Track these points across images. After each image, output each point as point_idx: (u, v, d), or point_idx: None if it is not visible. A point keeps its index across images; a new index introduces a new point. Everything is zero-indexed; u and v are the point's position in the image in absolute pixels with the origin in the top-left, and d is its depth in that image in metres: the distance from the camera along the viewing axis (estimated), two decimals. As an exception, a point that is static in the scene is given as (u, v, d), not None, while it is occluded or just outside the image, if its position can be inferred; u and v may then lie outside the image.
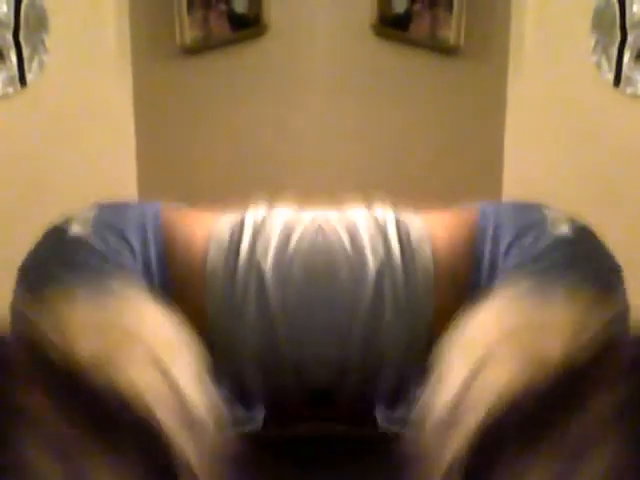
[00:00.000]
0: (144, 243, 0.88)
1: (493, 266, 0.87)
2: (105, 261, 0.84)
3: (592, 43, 1.98)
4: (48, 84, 1.96)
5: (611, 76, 1.98)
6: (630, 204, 1.97)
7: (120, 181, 1.97)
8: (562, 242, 0.85)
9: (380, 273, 0.85)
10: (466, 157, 2.05)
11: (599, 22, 1.97)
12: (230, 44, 1.99)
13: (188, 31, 1.95)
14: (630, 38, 1.96)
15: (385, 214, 0.93)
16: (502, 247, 0.87)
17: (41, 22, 1.94)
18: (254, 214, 0.92)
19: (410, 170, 2.03)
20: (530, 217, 0.88)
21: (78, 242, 0.85)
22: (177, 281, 0.88)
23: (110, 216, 0.89)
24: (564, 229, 0.86)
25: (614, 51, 1.97)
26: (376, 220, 0.91)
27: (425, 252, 0.88)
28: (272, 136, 2.03)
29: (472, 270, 0.87)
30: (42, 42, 1.95)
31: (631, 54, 1.97)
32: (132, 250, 0.87)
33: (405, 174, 2.01)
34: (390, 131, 2.04)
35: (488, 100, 2.04)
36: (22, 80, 1.95)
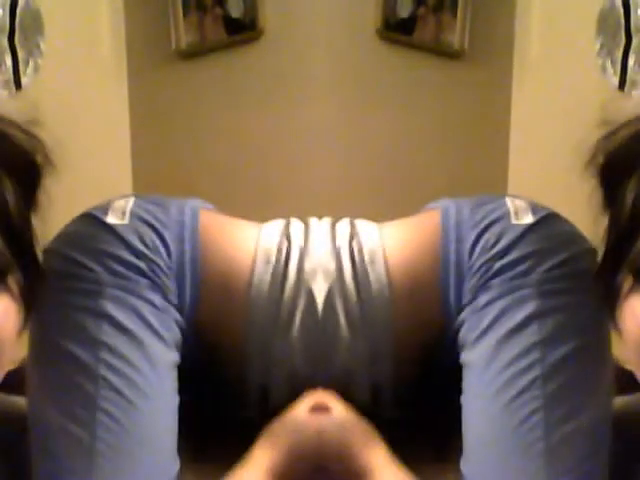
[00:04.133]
0: (180, 242, 0.86)
1: (460, 266, 0.86)
2: (137, 257, 0.82)
3: (597, 46, 1.95)
4: (43, 88, 1.93)
5: (616, 80, 1.95)
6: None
7: (115, 184, 1.95)
8: (527, 233, 0.83)
9: (331, 291, 0.87)
10: (471, 161, 2.04)
11: (604, 25, 1.94)
12: (225, 48, 2.00)
13: (183, 35, 1.96)
14: (635, 41, 1.93)
15: (343, 230, 0.93)
16: (466, 246, 0.86)
17: (36, 25, 1.91)
18: (296, 230, 0.93)
19: (414, 174, 2.03)
20: (491, 211, 0.87)
21: (112, 233, 0.83)
22: (210, 287, 0.87)
23: (148, 209, 0.87)
24: (527, 219, 0.85)
25: (619, 54, 1.95)
26: (333, 238, 0.92)
27: (378, 266, 0.88)
28: (268, 140, 2.02)
29: (440, 272, 0.87)
30: (37, 46, 1.92)
31: (636, 58, 1.94)
32: (167, 248, 0.85)
33: (409, 178, 2.01)
34: (394, 135, 2.04)
35: (493, 104, 2.04)
36: (17, 83, 1.92)
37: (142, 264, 0.82)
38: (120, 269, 0.81)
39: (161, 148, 2.05)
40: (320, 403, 0.85)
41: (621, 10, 1.93)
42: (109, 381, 0.76)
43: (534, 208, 0.86)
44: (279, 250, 0.89)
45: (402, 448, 0.84)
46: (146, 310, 0.81)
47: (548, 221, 0.85)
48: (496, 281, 0.83)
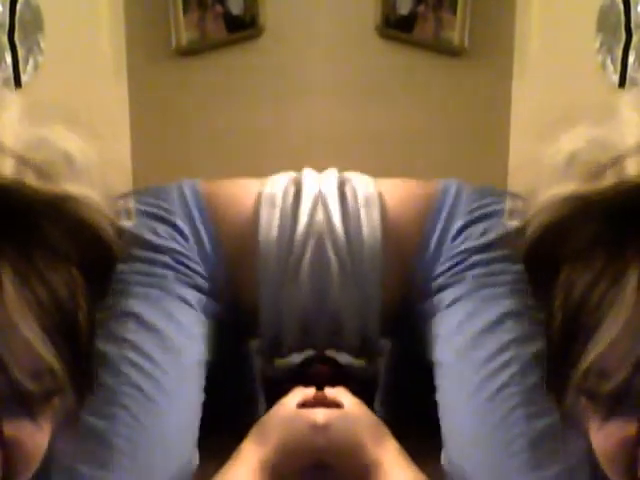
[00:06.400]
0: (190, 220, 0.87)
1: (440, 244, 0.87)
2: (157, 252, 0.84)
3: (597, 44, 1.94)
4: (43, 85, 1.92)
5: (616, 77, 1.94)
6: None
7: (115, 182, 1.93)
8: (513, 235, 0.82)
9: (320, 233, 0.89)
10: (470, 157, 2.04)
11: (604, 22, 1.93)
12: (226, 46, 1.99)
13: (184, 32, 1.95)
14: (635, 39, 1.91)
15: (333, 177, 0.96)
16: (453, 229, 0.87)
17: (36, 23, 1.90)
18: (308, 177, 0.95)
19: (414, 171, 1.98)
20: (488, 205, 0.87)
21: (126, 235, 0.82)
22: (229, 249, 0.88)
23: (150, 202, 0.88)
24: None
25: (619, 52, 1.93)
26: (321, 183, 0.94)
27: (372, 214, 0.89)
28: (268, 138, 2.02)
29: (420, 244, 0.88)
30: (37, 43, 1.92)
31: (636, 55, 1.92)
32: (182, 232, 0.86)
33: (408, 175, 1.93)
34: (394, 132, 2.03)
35: (493, 101, 2.03)
36: (17, 81, 1.91)
37: (164, 257, 0.84)
38: (144, 268, 0.83)
39: (161, 145, 2.04)
40: (331, 398, 0.85)
41: (621, 7, 1.91)
42: (130, 377, 0.77)
43: None
44: (285, 194, 0.91)
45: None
46: (175, 307, 0.82)
47: None
48: (469, 274, 0.83)
